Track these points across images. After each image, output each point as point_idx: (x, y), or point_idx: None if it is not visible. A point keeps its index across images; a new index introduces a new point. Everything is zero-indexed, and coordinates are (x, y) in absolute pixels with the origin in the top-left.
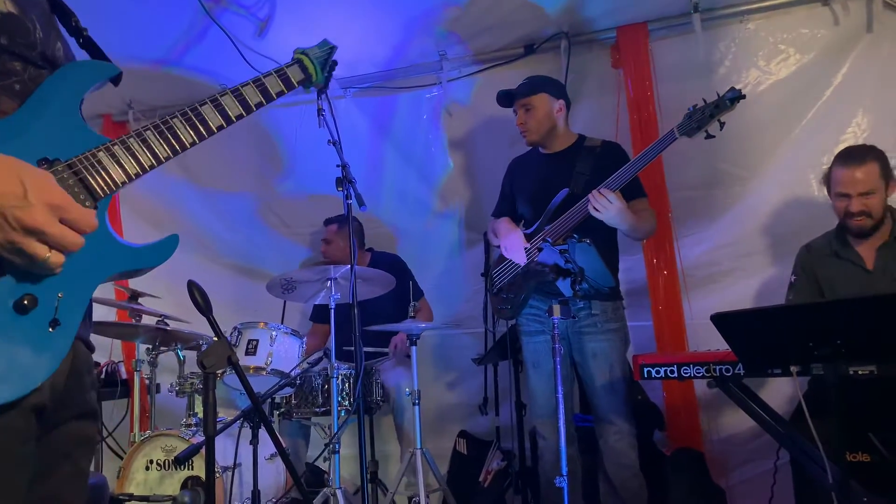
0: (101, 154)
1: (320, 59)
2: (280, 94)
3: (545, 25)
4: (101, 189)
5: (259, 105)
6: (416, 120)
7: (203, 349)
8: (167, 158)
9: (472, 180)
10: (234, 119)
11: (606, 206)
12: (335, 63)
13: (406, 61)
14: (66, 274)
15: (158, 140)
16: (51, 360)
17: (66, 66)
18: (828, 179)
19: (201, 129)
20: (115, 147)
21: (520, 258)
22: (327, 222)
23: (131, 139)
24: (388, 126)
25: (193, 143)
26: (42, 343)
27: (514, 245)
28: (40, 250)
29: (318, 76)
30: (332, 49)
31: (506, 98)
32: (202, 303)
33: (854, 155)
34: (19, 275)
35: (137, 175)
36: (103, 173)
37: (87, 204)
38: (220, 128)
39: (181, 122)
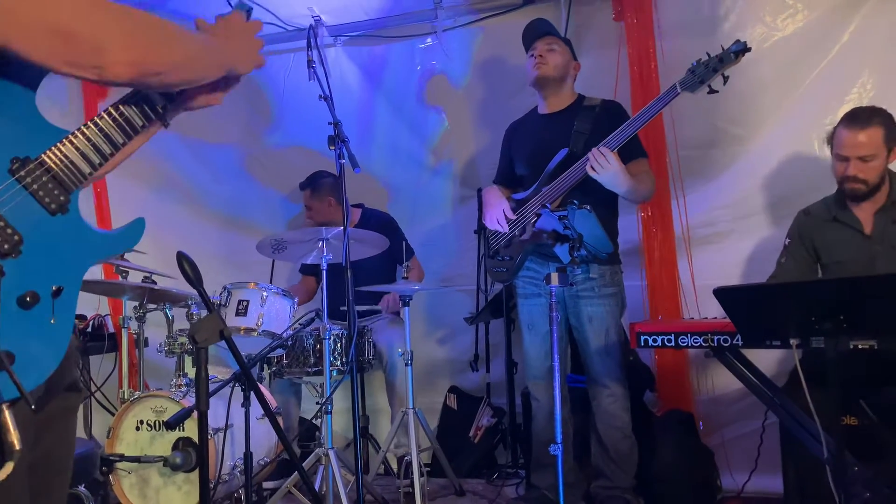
0: (65, 147)
1: None
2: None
3: None
4: (72, 182)
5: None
6: (409, 71)
7: (193, 312)
8: (123, 144)
9: (467, 135)
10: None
11: (605, 165)
12: None
13: (400, 9)
14: (55, 268)
15: (112, 126)
16: (57, 349)
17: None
18: (831, 139)
19: (148, 113)
20: (76, 139)
21: (501, 228)
22: (301, 187)
23: (88, 129)
24: (380, 77)
25: (144, 126)
26: (48, 334)
27: (493, 217)
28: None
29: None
30: None
31: (537, 29)
32: (192, 275)
33: (859, 117)
34: (19, 275)
35: (100, 164)
36: (71, 167)
37: (61, 198)
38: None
39: (129, 108)
